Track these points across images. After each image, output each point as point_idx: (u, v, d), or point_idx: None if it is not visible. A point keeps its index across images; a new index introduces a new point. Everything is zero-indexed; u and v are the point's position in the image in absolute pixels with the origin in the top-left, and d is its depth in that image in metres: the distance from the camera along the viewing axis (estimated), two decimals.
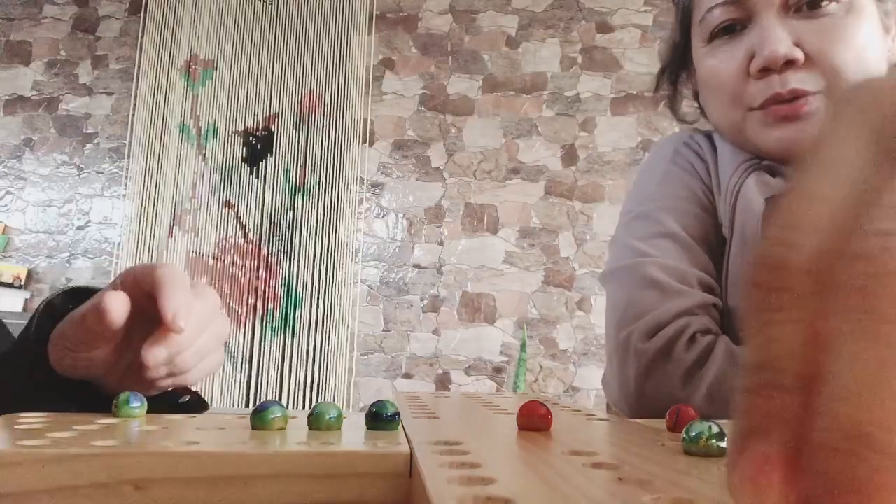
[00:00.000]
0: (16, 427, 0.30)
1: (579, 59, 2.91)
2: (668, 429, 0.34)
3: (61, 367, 0.45)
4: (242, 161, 2.93)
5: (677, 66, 0.71)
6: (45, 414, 0.36)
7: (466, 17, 2.97)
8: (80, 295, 0.49)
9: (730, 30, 0.61)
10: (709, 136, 0.71)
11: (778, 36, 0.56)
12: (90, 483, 0.24)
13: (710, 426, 0.26)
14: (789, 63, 0.56)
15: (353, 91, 2.92)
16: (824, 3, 0.57)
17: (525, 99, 2.90)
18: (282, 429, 0.30)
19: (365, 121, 2.90)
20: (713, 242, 0.64)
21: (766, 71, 0.57)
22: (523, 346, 2.55)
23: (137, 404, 0.36)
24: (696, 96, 0.71)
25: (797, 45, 0.56)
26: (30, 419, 0.33)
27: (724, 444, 0.25)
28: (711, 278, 0.62)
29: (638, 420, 0.40)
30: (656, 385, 0.57)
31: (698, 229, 0.63)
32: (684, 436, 0.26)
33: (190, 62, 2.99)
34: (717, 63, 0.62)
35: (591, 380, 2.71)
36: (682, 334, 0.56)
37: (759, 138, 0.59)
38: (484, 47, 2.95)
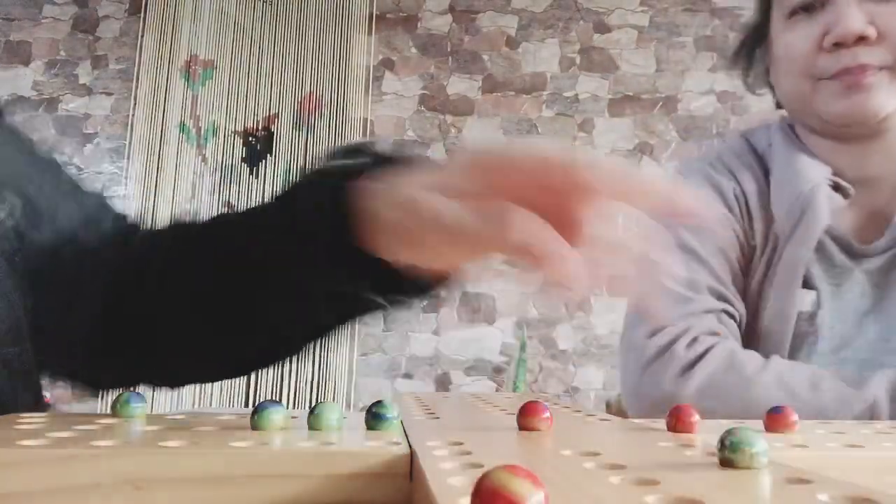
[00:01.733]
0: (16, 427, 0.30)
1: (577, 60, 2.91)
2: (669, 429, 0.34)
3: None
4: (242, 161, 2.92)
5: (753, 41, 0.77)
6: (45, 414, 0.36)
7: (466, 18, 2.97)
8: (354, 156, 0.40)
9: (808, 7, 0.66)
10: (771, 132, 0.74)
11: (854, 14, 0.62)
12: (90, 483, 0.24)
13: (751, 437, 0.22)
14: (861, 39, 0.62)
15: (353, 91, 2.91)
16: None
17: (525, 99, 2.90)
18: (282, 429, 0.30)
19: (365, 121, 2.90)
20: (735, 252, 0.68)
21: (838, 45, 0.63)
22: (523, 347, 2.55)
23: (137, 404, 0.36)
24: (767, 72, 0.76)
25: (870, 23, 0.62)
26: (30, 419, 0.33)
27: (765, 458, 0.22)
28: (724, 287, 0.65)
29: (638, 420, 0.40)
30: (653, 378, 0.59)
31: (716, 241, 0.67)
32: (721, 444, 0.23)
33: (190, 62, 2.99)
34: (794, 37, 0.67)
35: (591, 380, 2.71)
36: (686, 333, 0.58)
37: (826, 106, 0.65)
38: (484, 47, 2.95)
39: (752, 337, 0.66)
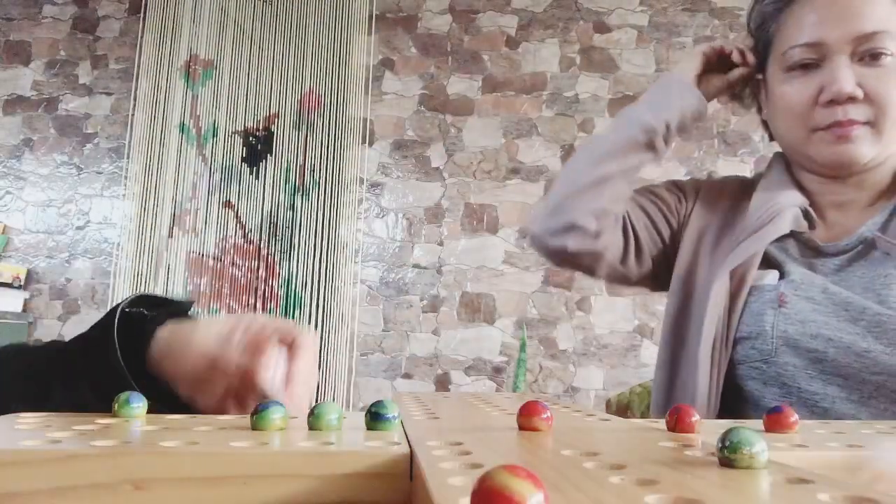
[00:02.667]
0: (16, 427, 0.30)
1: (578, 60, 2.91)
2: (669, 429, 0.34)
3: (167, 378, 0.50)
4: (242, 161, 2.92)
5: (749, 83, 0.90)
6: (46, 414, 0.36)
7: (466, 17, 2.97)
8: (146, 302, 0.54)
9: (805, 66, 0.77)
10: None
11: (846, 76, 0.73)
12: (90, 483, 0.24)
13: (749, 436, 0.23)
14: (851, 98, 0.73)
15: (353, 91, 2.92)
16: (882, 57, 0.74)
17: (525, 99, 2.90)
18: (282, 429, 0.30)
19: (365, 121, 2.90)
20: (664, 208, 0.88)
21: (832, 102, 0.74)
22: (523, 346, 2.55)
23: (137, 404, 0.36)
24: (759, 110, 0.90)
25: (859, 85, 0.73)
26: (30, 419, 0.33)
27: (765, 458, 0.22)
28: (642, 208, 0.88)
29: (638, 420, 0.40)
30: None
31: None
32: (721, 444, 0.23)
33: (190, 62, 2.99)
34: (791, 91, 0.79)
35: (591, 380, 2.71)
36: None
37: (819, 153, 0.77)
38: (484, 47, 2.95)
39: (688, 294, 0.82)
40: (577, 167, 0.83)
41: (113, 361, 0.48)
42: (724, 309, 0.76)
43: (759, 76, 0.87)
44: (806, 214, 0.80)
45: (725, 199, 0.88)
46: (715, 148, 2.83)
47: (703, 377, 0.74)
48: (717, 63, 0.87)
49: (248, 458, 0.25)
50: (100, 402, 0.45)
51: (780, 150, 0.88)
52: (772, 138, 0.88)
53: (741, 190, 0.89)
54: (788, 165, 0.86)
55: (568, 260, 0.84)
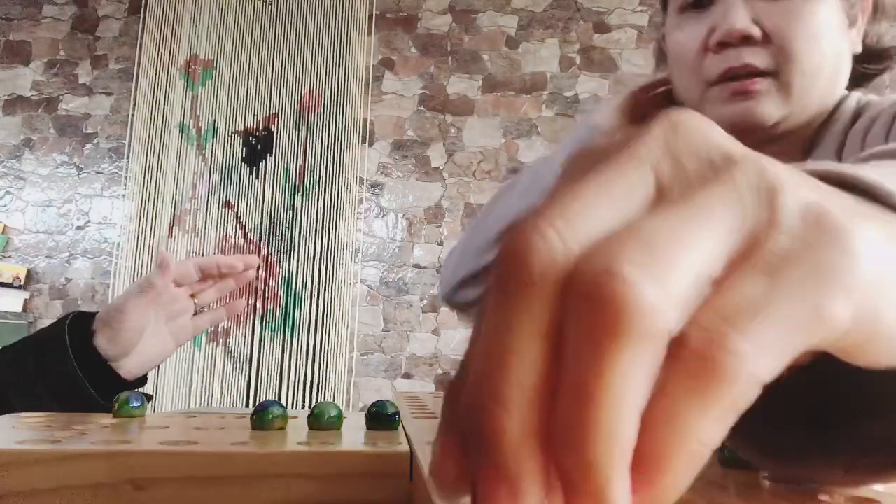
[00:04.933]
0: (16, 427, 0.30)
1: (578, 60, 2.91)
2: None
3: (112, 336, 0.58)
4: (242, 161, 2.93)
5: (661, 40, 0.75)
6: (46, 414, 0.36)
7: (466, 17, 2.97)
8: (80, 319, 0.60)
9: (698, 5, 0.63)
10: None
11: (738, 13, 0.58)
12: (90, 483, 0.24)
13: None
14: (746, 39, 0.58)
15: (353, 91, 2.92)
16: None
17: (525, 99, 2.90)
18: (282, 429, 0.30)
19: (364, 121, 2.90)
20: None
21: (723, 45, 0.59)
22: None
23: (137, 404, 0.36)
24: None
25: (755, 22, 0.59)
26: (30, 419, 0.33)
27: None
28: None
29: None
30: None
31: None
32: None
33: (190, 62, 2.99)
34: (682, 36, 0.64)
35: None
36: None
37: (714, 113, 0.61)
38: (483, 47, 2.95)
39: None
40: (459, 259, 0.74)
41: (64, 360, 0.53)
42: None
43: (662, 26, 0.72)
44: None
45: None
46: None
47: None
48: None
49: (248, 458, 0.25)
50: (55, 402, 0.48)
51: None
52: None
53: None
54: None
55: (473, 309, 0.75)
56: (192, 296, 0.65)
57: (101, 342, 0.57)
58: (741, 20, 0.58)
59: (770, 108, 0.59)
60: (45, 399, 0.51)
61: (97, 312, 0.60)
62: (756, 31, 0.58)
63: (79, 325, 0.57)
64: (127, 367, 0.58)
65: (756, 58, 0.58)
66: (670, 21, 0.67)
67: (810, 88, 0.60)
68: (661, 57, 0.77)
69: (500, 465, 0.13)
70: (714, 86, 0.61)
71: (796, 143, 0.63)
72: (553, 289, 0.14)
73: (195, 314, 0.65)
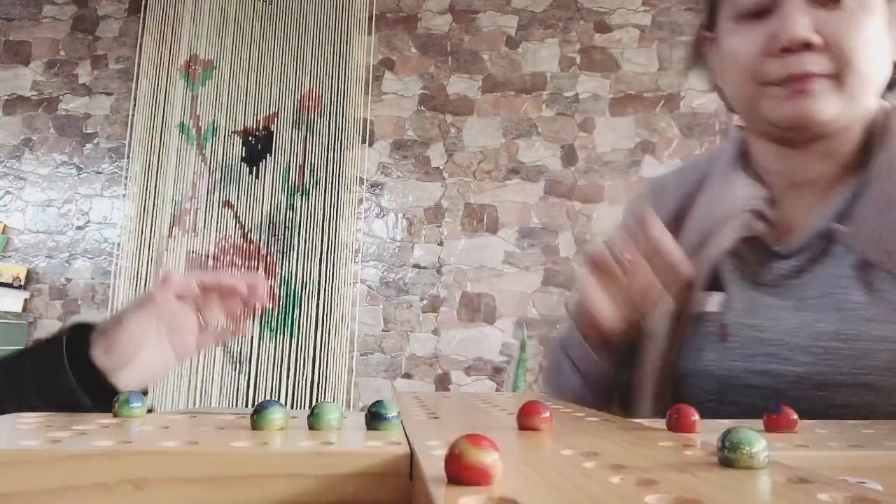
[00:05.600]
0: (16, 427, 0.30)
1: (578, 60, 2.91)
2: (669, 429, 0.34)
3: (109, 348, 0.57)
4: (242, 161, 2.92)
5: (702, 43, 0.79)
6: (46, 414, 0.36)
7: (466, 17, 2.97)
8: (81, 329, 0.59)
9: (757, 13, 0.67)
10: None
11: (800, 21, 0.63)
12: (90, 483, 0.24)
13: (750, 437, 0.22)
14: (806, 46, 0.63)
15: (353, 91, 2.92)
16: None
17: (525, 99, 2.90)
18: (282, 429, 0.30)
19: (364, 121, 2.90)
20: None
21: (785, 51, 0.64)
22: (523, 346, 2.55)
23: (137, 404, 0.36)
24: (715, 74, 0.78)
25: (815, 31, 0.63)
26: (30, 419, 0.33)
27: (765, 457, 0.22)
28: None
29: (637, 420, 0.40)
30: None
31: None
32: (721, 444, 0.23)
33: (189, 62, 2.99)
34: (740, 42, 0.68)
35: None
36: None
37: (772, 111, 0.66)
38: (483, 47, 2.95)
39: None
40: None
41: (60, 372, 0.53)
42: (664, 339, 0.68)
43: (710, 34, 0.76)
44: (758, 213, 0.69)
45: (674, 195, 0.78)
46: (717, 146, 2.83)
47: (646, 412, 0.68)
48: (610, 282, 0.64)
49: (248, 458, 0.25)
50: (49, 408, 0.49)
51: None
52: (731, 109, 0.76)
53: (697, 183, 0.77)
54: (742, 146, 0.76)
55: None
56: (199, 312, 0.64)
57: (99, 354, 0.56)
58: (803, 28, 0.62)
59: (826, 106, 0.63)
60: (42, 410, 0.52)
61: (98, 323, 0.60)
62: (817, 39, 0.63)
63: (78, 336, 0.57)
64: (125, 380, 0.57)
65: (815, 64, 0.63)
66: (725, 27, 0.71)
67: (863, 90, 0.64)
68: (697, 59, 0.80)
69: None
70: (774, 85, 0.65)
71: (844, 141, 0.67)
72: None
73: (201, 331, 0.64)
